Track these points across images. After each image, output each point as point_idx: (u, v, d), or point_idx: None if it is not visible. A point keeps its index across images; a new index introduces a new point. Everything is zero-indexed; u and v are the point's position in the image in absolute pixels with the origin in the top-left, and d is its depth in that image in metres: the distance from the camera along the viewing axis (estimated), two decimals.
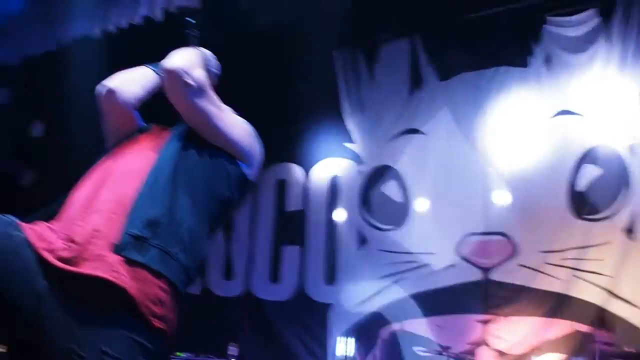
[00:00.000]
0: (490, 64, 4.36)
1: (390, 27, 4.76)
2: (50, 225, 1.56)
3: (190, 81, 1.67)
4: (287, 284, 4.92)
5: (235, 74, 2.02)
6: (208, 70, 1.84)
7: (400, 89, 4.73)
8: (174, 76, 1.67)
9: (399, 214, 4.53)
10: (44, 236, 1.49)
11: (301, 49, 4.79)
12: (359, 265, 4.61)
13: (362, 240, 4.68)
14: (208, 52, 1.92)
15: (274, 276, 5.00)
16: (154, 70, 1.94)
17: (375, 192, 4.70)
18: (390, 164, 4.66)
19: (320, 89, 4.89)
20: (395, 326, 4.37)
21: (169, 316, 1.51)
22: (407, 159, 4.58)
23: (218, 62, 1.96)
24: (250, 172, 1.83)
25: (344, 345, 4.35)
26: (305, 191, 5.04)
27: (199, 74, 1.71)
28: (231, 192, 1.77)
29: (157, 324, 1.46)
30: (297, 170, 5.13)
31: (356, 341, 4.37)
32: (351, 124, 4.87)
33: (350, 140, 4.87)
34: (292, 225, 5.01)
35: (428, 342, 4.15)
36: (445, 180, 4.38)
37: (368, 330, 4.45)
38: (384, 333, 4.41)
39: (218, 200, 1.74)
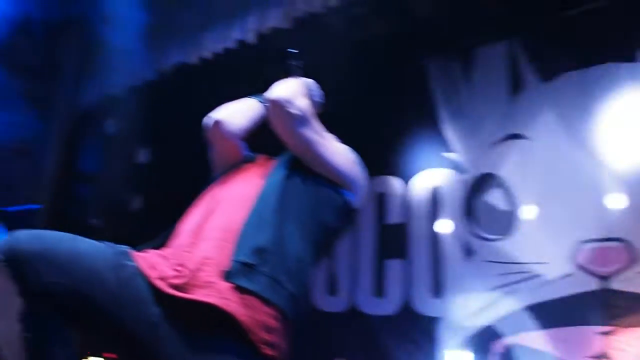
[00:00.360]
0: (596, 61, 4.29)
1: (486, 30, 4.78)
2: (161, 253, 1.68)
3: (293, 111, 1.77)
4: (392, 298, 5.01)
5: (330, 90, 2.12)
6: (311, 99, 1.94)
7: (499, 94, 4.75)
8: (278, 106, 1.78)
9: (505, 222, 4.54)
10: (154, 264, 1.61)
11: (394, 60, 4.95)
12: (466, 277, 4.65)
13: (469, 252, 4.72)
14: (310, 81, 2.03)
15: (379, 290, 5.11)
16: (259, 101, 2.13)
17: (479, 202, 4.74)
18: (493, 171, 4.68)
19: (416, 99, 5.00)
20: (509, 340, 4.38)
21: (279, 343, 1.59)
22: (511, 166, 4.58)
23: (321, 90, 2.12)
24: (355, 200, 1.92)
25: None
26: (406, 203, 5.14)
27: (302, 104, 1.81)
28: (336, 220, 1.86)
29: (267, 351, 1.54)
30: (396, 183, 5.23)
31: (468, 356, 4.42)
32: (450, 132, 4.94)
33: (450, 150, 4.93)
34: (394, 239, 5.10)
35: (545, 356, 4.13)
36: (554, 186, 4.35)
37: (480, 344, 4.46)
38: (498, 347, 4.41)
39: (324, 228, 1.82)
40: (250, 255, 1.59)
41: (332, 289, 5.40)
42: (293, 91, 1.84)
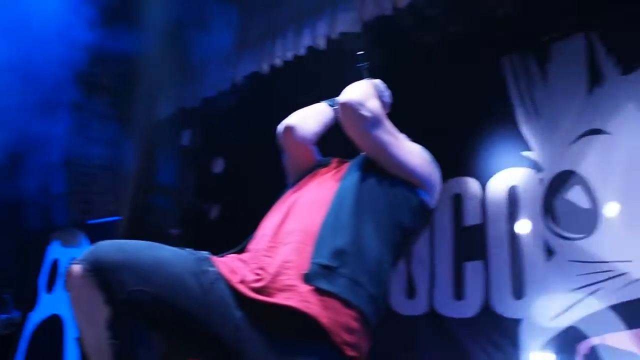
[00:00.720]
0: None
1: (563, 24, 4.85)
2: (241, 257, 1.78)
3: (365, 113, 1.84)
4: (472, 301, 5.13)
5: (403, 92, 2.24)
6: (381, 100, 2.02)
7: (577, 89, 4.81)
8: (349, 109, 1.86)
9: (587, 221, 4.59)
10: (235, 269, 1.70)
11: (468, 59, 5.07)
12: (548, 277, 4.72)
13: (550, 252, 4.79)
14: (379, 82, 2.13)
15: (458, 293, 5.25)
16: (329, 105, 2.20)
17: (559, 200, 4.80)
18: (573, 168, 4.73)
19: (492, 98, 5.11)
20: (595, 340, 4.42)
21: (360, 344, 1.67)
22: (592, 162, 4.64)
23: (389, 91, 2.24)
24: (430, 200, 1.97)
25: None
26: (483, 204, 5.26)
27: (373, 105, 1.88)
28: (413, 220, 1.92)
29: (349, 352, 1.63)
30: (472, 184, 5.37)
31: (553, 358, 4.50)
32: (527, 131, 5.03)
33: (528, 148, 5.02)
34: (472, 240, 5.23)
35: (632, 357, 4.16)
36: (637, 181, 4.38)
37: (564, 345, 4.52)
38: (583, 348, 4.47)
39: (401, 228, 1.87)
40: (329, 258, 1.67)
41: (410, 292, 5.55)
42: (363, 93, 1.90)
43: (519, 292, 4.92)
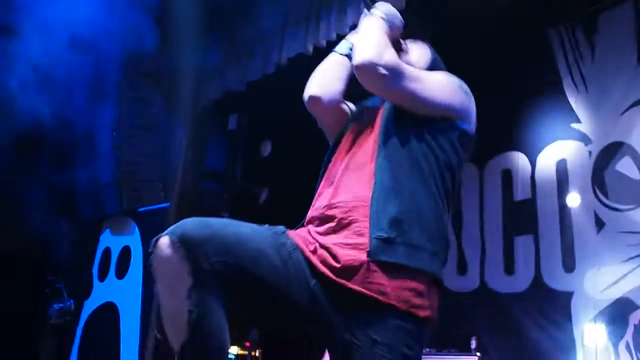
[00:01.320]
0: None
1: None
2: (309, 229, 1.93)
3: (383, 71, 1.86)
4: (523, 275, 5.49)
5: (451, 63, 2.21)
6: (392, 28, 2.03)
7: (626, 59, 5.07)
8: (365, 72, 1.89)
9: (636, 192, 4.91)
10: (308, 240, 1.86)
11: (516, 31, 5.25)
12: (599, 250, 5.04)
13: (600, 224, 5.11)
14: (386, 8, 2.07)
15: (509, 267, 5.60)
16: (345, 55, 2.17)
17: (609, 172, 5.11)
18: (622, 139, 5.04)
19: (540, 70, 5.40)
20: None
21: (431, 304, 1.81)
22: None
23: (398, 14, 2.11)
24: (470, 127, 2.02)
25: (593, 334, 4.80)
26: (533, 178, 5.59)
27: (388, 58, 1.88)
28: (458, 156, 1.98)
29: (420, 313, 1.78)
30: (522, 158, 5.69)
31: (605, 328, 4.79)
32: (576, 103, 5.32)
33: (577, 120, 5.31)
34: (522, 215, 5.57)
35: None
36: None
37: (616, 316, 4.86)
38: (634, 318, 4.80)
39: (449, 169, 1.95)
40: (386, 229, 1.79)
41: (461, 269, 5.91)
42: (375, 46, 1.91)
43: (569, 265, 5.26)
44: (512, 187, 5.74)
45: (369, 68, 1.88)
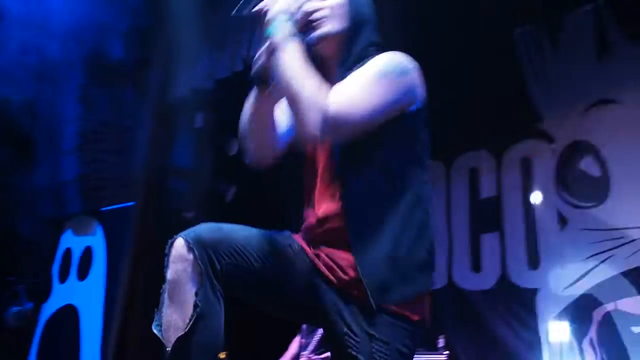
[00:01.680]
0: None
1: None
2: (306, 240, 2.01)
3: (337, 128, 1.79)
4: (489, 272, 5.57)
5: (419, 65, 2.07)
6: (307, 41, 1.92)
7: (587, 58, 5.19)
8: (321, 140, 1.88)
9: (598, 189, 5.03)
10: (309, 247, 1.97)
11: (480, 31, 5.31)
12: (562, 246, 5.15)
13: (563, 221, 5.23)
14: (283, 29, 1.87)
15: (476, 265, 5.69)
16: (264, 84, 2.02)
17: (571, 170, 5.24)
18: (584, 138, 5.16)
19: (503, 70, 5.45)
20: (609, 307, 4.85)
21: (423, 308, 1.91)
22: (602, 132, 5.06)
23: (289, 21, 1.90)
24: (419, 103, 1.95)
25: (558, 330, 4.90)
26: (498, 177, 5.70)
27: (331, 109, 1.78)
28: (419, 141, 1.97)
29: (413, 317, 1.86)
30: (487, 156, 5.79)
31: (570, 325, 4.89)
32: (540, 102, 5.43)
33: (541, 119, 5.43)
34: (487, 213, 5.68)
35: None
36: None
37: (580, 313, 4.96)
38: (598, 315, 4.90)
39: (419, 165, 1.97)
40: (376, 275, 1.84)
41: None
42: (311, 106, 1.80)
43: (534, 262, 5.36)
44: (479, 185, 5.84)
45: (323, 138, 1.84)
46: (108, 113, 7.15)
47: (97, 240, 7.33)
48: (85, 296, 7.18)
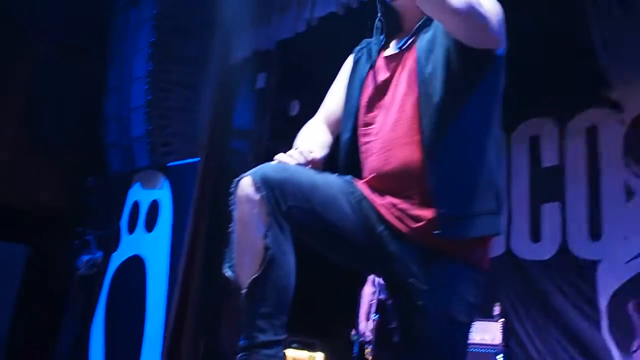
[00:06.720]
0: None
1: None
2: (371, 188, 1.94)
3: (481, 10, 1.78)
4: (548, 242, 5.39)
5: None
6: None
7: None
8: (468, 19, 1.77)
9: None
10: (373, 194, 1.90)
11: None
12: (626, 219, 4.93)
13: (629, 193, 5.00)
14: None
15: (535, 235, 5.51)
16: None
17: None
18: None
19: (570, 35, 5.21)
20: None
21: (488, 256, 1.91)
22: None
23: None
24: (503, 50, 1.94)
25: (617, 304, 4.75)
26: (561, 145, 5.47)
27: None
28: (497, 89, 1.94)
29: (484, 265, 1.89)
30: (550, 124, 5.56)
31: (630, 299, 4.68)
32: (608, 70, 5.10)
33: (610, 88, 5.14)
34: (549, 182, 5.45)
35: None
36: None
37: None
38: None
39: (497, 116, 1.93)
40: (449, 205, 1.81)
41: None
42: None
43: (596, 233, 5.15)
44: (541, 153, 5.59)
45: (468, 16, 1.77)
46: (176, 72, 7.13)
47: (164, 194, 7.37)
48: (151, 247, 7.26)
